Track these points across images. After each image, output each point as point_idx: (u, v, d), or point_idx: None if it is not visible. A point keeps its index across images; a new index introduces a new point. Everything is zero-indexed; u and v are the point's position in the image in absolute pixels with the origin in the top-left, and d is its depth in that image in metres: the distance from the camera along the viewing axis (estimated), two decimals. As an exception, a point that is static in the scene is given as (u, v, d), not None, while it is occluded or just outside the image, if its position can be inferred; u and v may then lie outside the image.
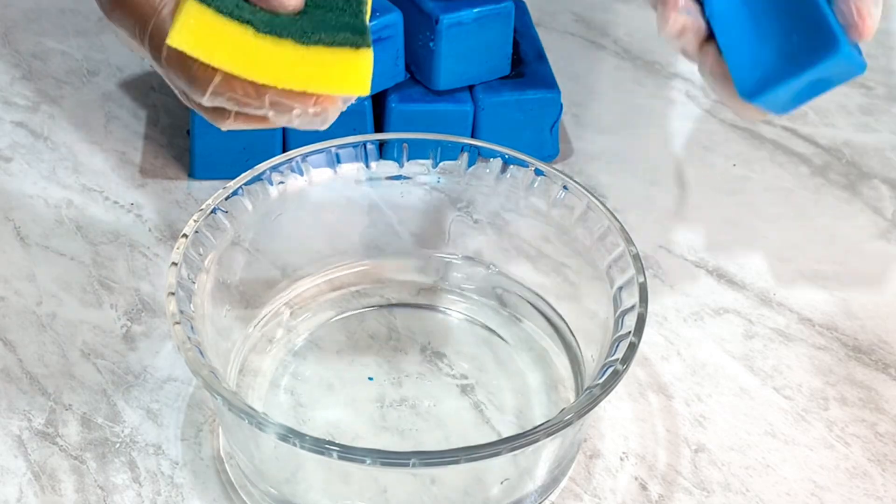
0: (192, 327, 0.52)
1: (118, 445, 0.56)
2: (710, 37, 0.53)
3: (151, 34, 0.46)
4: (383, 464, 0.47)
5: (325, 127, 0.47)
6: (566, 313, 0.61)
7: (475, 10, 0.67)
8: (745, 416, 0.59)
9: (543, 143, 0.73)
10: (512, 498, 0.53)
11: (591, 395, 0.49)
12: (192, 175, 0.71)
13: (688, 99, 0.80)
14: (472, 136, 0.71)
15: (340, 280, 0.64)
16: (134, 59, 0.81)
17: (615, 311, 0.54)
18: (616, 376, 0.50)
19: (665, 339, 0.63)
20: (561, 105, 0.72)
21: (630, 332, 0.52)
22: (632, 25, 0.86)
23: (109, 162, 0.73)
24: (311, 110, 0.46)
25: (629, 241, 0.56)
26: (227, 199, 0.57)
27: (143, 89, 0.79)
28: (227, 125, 0.48)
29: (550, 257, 0.62)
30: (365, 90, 0.47)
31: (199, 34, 0.45)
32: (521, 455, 0.52)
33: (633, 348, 0.51)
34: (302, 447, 0.47)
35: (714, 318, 0.64)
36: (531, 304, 0.63)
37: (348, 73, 0.47)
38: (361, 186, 0.62)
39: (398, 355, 0.60)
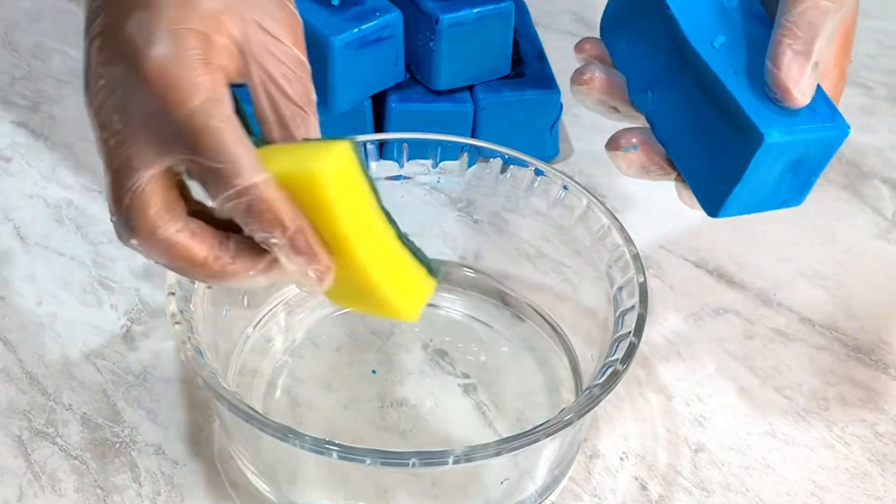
0: (192, 327, 0.52)
1: (118, 445, 0.56)
2: None
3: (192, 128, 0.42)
4: (383, 464, 0.47)
5: (317, 291, 0.45)
6: (566, 313, 0.61)
7: (475, 10, 0.67)
8: (745, 416, 0.59)
9: (543, 143, 0.73)
10: (512, 498, 0.53)
11: (591, 395, 0.49)
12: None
13: (688, 99, 0.80)
14: (472, 136, 0.71)
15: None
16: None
17: (615, 311, 0.54)
18: (616, 376, 0.50)
19: (665, 339, 0.63)
20: (561, 105, 0.72)
21: (630, 332, 0.52)
22: (632, 25, 0.86)
23: (109, 162, 0.73)
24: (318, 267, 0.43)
25: (629, 241, 0.56)
26: (227, 199, 0.57)
27: (143, 89, 0.79)
28: (156, 242, 0.43)
29: (550, 257, 0.62)
30: (415, 316, 0.46)
31: (343, 174, 0.42)
32: (521, 455, 0.52)
33: (633, 348, 0.51)
34: (302, 447, 0.47)
35: (714, 318, 0.64)
36: (531, 303, 0.63)
37: (417, 290, 0.46)
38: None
39: (399, 354, 0.60)
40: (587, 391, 0.50)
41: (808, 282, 0.67)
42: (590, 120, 0.77)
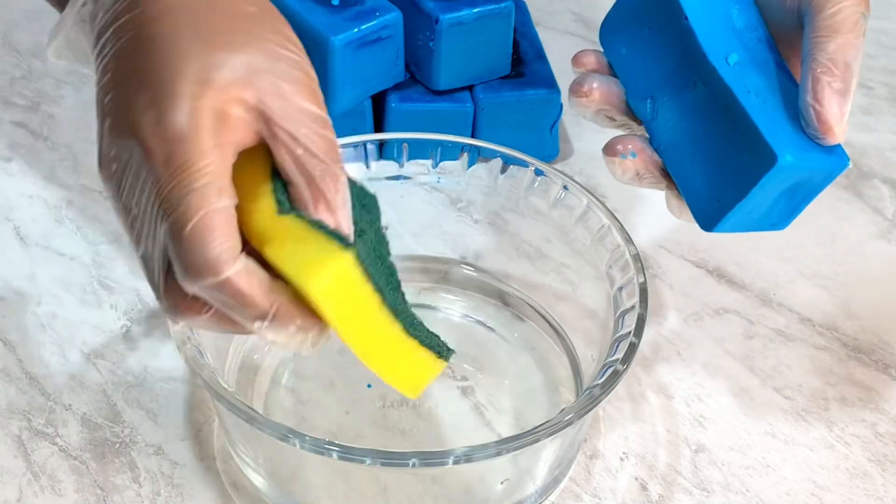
0: (192, 327, 0.52)
1: (118, 445, 0.56)
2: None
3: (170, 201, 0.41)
4: (384, 464, 0.47)
5: (307, 352, 0.45)
6: (566, 313, 0.61)
7: (475, 10, 0.67)
8: (745, 416, 0.59)
9: (543, 142, 0.73)
10: (512, 498, 0.53)
11: (591, 396, 0.49)
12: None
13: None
14: (472, 136, 0.71)
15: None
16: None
17: (615, 311, 0.54)
18: (616, 376, 0.50)
19: (665, 339, 0.63)
20: (561, 105, 0.72)
21: (630, 332, 0.52)
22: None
23: (109, 162, 0.73)
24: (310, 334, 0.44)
25: (629, 241, 0.56)
26: (227, 199, 0.57)
27: (143, 89, 0.79)
28: (199, 321, 0.44)
29: (550, 257, 0.62)
30: (414, 395, 0.48)
31: (340, 286, 0.43)
32: (521, 455, 0.52)
33: (633, 348, 0.51)
34: (302, 447, 0.47)
35: (714, 318, 0.64)
36: (531, 303, 0.63)
37: (421, 373, 0.48)
38: (361, 186, 0.62)
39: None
40: (587, 391, 0.50)
41: (808, 282, 0.67)
42: (590, 120, 0.77)
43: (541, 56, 0.73)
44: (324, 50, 0.65)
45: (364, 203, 0.47)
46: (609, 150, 0.51)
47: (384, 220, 0.48)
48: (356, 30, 0.66)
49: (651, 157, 0.51)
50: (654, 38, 0.51)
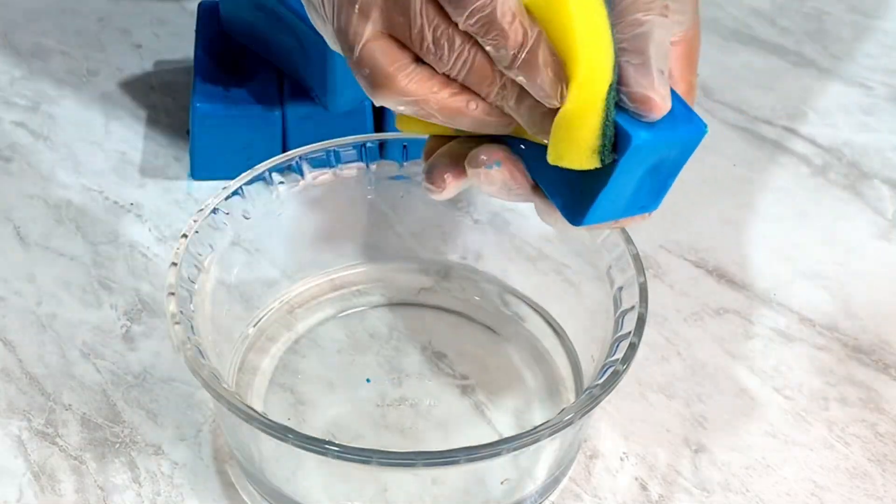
0: (192, 327, 0.52)
1: (118, 445, 0.56)
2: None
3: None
4: (385, 464, 0.47)
5: (555, 103, 0.45)
6: (566, 313, 0.61)
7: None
8: (745, 416, 0.59)
9: (543, 143, 0.73)
10: (512, 498, 0.53)
11: (591, 395, 0.49)
12: (192, 175, 0.72)
13: (688, 99, 0.80)
14: (472, 136, 0.71)
15: (341, 280, 0.64)
16: (134, 58, 0.81)
17: (615, 312, 0.54)
18: (616, 376, 0.50)
19: (665, 339, 0.63)
20: (561, 105, 0.71)
21: (630, 332, 0.52)
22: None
23: (109, 162, 0.73)
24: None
25: (629, 241, 0.56)
26: (226, 199, 0.57)
27: (143, 89, 0.79)
28: (432, 101, 0.46)
29: (550, 257, 0.62)
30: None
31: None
32: (521, 455, 0.52)
33: (633, 348, 0.51)
34: (301, 447, 0.47)
35: (714, 318, 0.64)
36: (531, 304, 0.63)
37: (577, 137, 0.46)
38: (361, 186, 0.62)
39: (399, 355, 0.60)
40: (587, 391, 0.50)
41: (809, 282, 0.67)
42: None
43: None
44: (324, 50, 0.65)
45: None
46: (472, 161, 0.49)
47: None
48: (356, 30, 0.65)
49: (517, 165, 0.49)
50: None
